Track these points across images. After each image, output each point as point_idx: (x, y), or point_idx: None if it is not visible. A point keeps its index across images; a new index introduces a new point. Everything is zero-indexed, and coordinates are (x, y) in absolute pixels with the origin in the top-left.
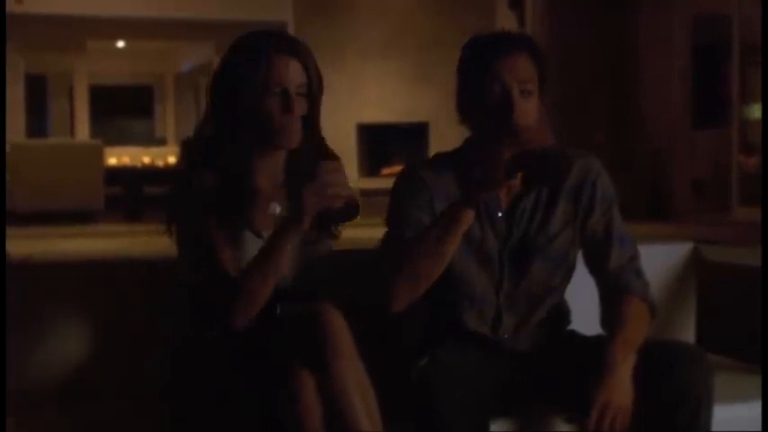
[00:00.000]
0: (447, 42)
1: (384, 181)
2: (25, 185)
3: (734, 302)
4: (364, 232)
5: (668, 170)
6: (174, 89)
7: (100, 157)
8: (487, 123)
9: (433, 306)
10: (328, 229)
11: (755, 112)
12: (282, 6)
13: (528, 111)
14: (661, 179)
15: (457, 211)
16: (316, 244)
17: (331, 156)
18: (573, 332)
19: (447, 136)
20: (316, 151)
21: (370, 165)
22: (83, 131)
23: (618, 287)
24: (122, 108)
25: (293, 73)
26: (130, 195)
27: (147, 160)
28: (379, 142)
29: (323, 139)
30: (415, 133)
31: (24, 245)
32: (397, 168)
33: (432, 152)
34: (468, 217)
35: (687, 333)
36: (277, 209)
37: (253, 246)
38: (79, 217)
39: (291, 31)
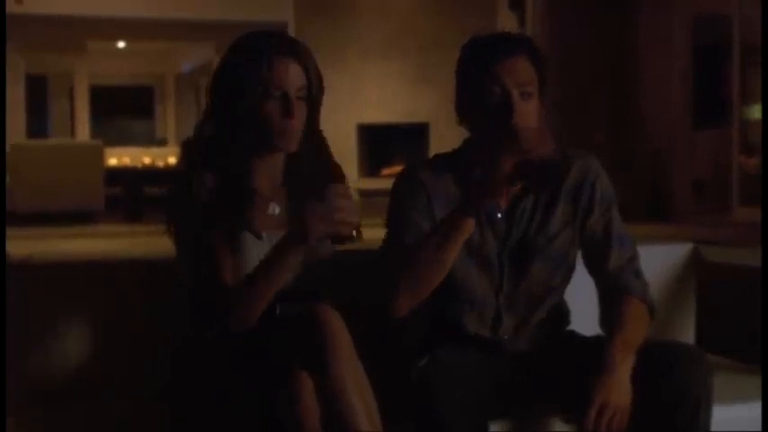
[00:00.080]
0: (448, 43)
1: (384, 181)
2: (25, 186)
3: (734, 303)
4: (364, 233)
5: (668, 170)
6: (175, 90)
7: (100, 157)
8: (487, 125)
9: (432, 310)
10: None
11: (756, 112)
12: (283, 7)
13: (528, 113)
14: (661, 179)
15: (457, 219)
16: (316, 245)
17: (335, 171)
18: (572, 332)
19: (447, 137)
20: (315, 152)
21: (371, 165)
22: (83, 132)
23: (617, 287)
24: (123, 108)
25: (293, 76)
26: (131, 196)
27: (147, 161)
28: (380, 143)
29: (323, 139)
30: (415, 134)
31: (24, 245)
32: (398, 169)
33: (432, 153)
34: (469, 225)
35: (687, 333)
36: (276, 209)
37: (252, 246)
38: (79, 217)
39: (292, 31)
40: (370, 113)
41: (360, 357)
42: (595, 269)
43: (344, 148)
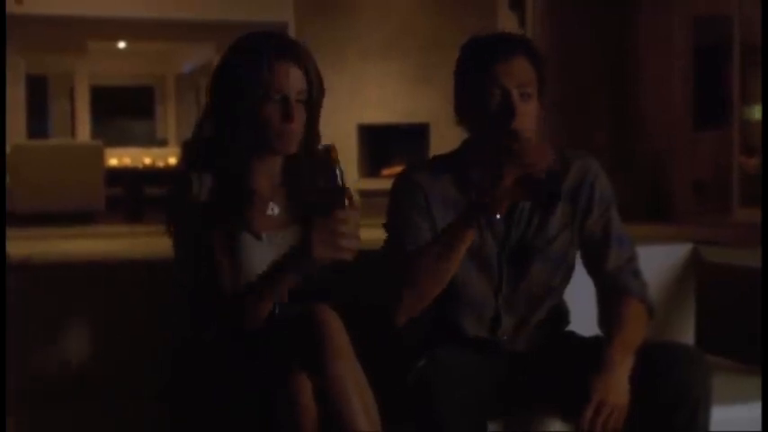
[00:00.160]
0: (448, 43)
1: (384, 182)
2: (26, 186)
3: (733, 304)
4: (365, 233)
5: (668, 171)
6: (175, 90)
7: (101, 157)
8: (486, 125)
9: (432, 311)
10: None
11: (756, 113)
12: (283, 7)
13: (527, 114)
14: (661, 180)
15: (457, 230)
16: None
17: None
18: (572, 333)
19: (447, 137)
20: (315, 153)
21: (371, 165)
22: (83, 132)
23: (616, 288)
24: (123, 109)
25: (294, 80)
26: (131, 196)
27: (147, 161)
28: (380, 143)
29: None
30: (415, 134)
31: (25, 246)
32: (398, 169)
33: (432, 153)
34: (470, 236)
35: (686, 334)
36: (275, 209)
37: (251, 247)
38: (80, 218)
39: (292, 31)
40: (371, 114)
41: (359, 357)
42: (594, 269)
43: (345, 149)
